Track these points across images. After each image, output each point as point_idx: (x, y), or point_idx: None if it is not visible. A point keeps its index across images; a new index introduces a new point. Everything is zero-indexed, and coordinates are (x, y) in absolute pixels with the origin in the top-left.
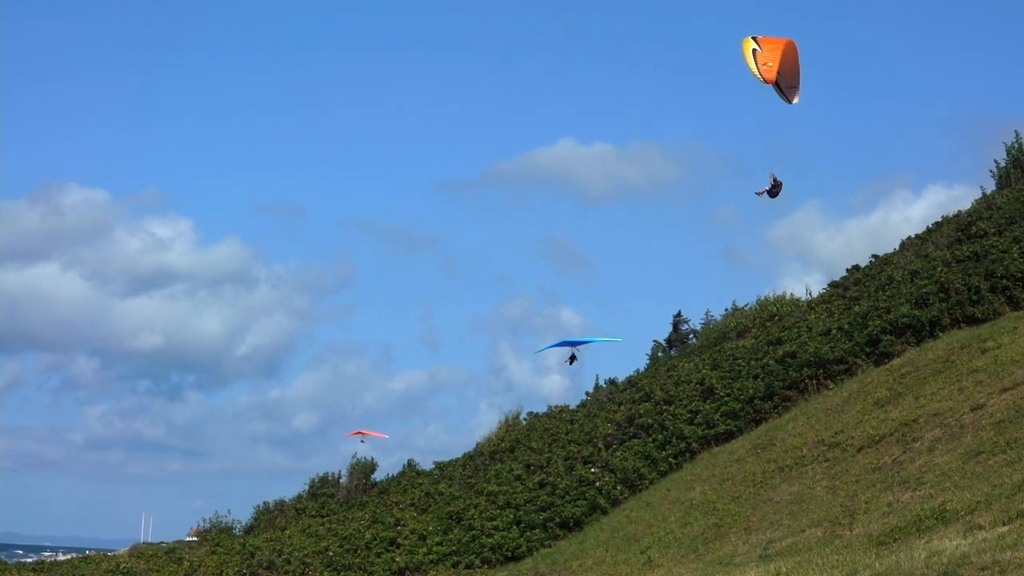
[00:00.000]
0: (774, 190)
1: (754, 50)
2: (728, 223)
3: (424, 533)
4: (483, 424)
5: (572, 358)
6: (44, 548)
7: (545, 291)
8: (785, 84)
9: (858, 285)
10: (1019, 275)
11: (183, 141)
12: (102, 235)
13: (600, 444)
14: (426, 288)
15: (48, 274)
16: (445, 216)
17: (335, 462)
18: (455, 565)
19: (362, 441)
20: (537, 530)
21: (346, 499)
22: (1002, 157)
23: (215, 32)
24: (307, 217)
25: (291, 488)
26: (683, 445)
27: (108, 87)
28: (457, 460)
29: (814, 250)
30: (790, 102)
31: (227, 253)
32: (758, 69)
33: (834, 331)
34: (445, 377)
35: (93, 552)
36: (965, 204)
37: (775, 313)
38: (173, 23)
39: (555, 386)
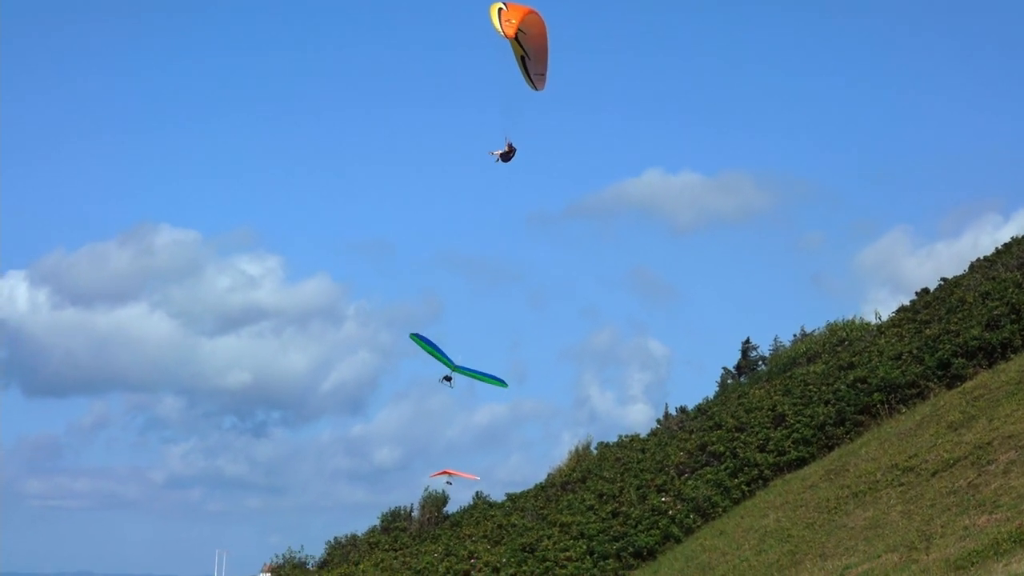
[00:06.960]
0: (508, 154)
1: (500, 9)
2: (816, 250)
3: (498, 565)
4: (561, 455)
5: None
6: None
7: (633, 321)
8: (534, 71)
9: (928, 308)
10: None
11: (276, 181)
12: (192, 274)
13: (672, 473)
14: (514, 321)
15: (137, 314)
16: (533, 249)
17: (416, 497)
18: None
19: (449, 483)
20: (611, 560)
21: (418, 532)
22: None
23: (306, 76)
24: (397, 253)
25: (370, 523)
26: (755, 472)
27: (203, 131)
28: (529, 491)
29: (904, 275)
30: (537, 89)
31: (316, 289)
32: (500, 24)
33: (905, 355)
34: (529, 409)
35: None
36: None
37: (845, 338)
38: (265, 70)
39: (639, 415)
